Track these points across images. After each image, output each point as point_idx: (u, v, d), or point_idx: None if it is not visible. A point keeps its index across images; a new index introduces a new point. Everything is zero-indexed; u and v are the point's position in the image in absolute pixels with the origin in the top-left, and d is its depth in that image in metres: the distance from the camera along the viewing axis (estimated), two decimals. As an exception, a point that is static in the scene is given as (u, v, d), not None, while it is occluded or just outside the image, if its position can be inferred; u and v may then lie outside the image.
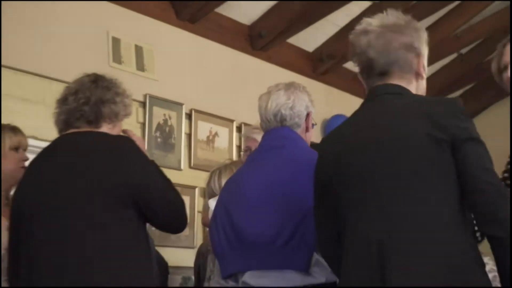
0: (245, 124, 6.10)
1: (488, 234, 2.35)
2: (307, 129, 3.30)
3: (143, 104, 5.21)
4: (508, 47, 3.04)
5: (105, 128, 2.99)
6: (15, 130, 3.64)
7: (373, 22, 2.54)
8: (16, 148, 3.52)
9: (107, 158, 2.83)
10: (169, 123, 5.43)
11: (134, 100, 5.08)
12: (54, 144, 2.97)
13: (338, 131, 2.63)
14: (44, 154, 2.98)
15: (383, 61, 2.48)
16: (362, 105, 2.56)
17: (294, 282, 2.92)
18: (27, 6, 4.78)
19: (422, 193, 2.40)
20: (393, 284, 2.32)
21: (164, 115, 5.41)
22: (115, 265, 2.77)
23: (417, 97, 2.55)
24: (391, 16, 2.57)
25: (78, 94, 2.95)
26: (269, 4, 6.30)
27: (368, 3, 6.65)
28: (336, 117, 6.75)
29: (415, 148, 2.42)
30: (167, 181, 3.03)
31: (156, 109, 5.36)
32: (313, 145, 2.65)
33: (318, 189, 2.58)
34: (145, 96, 5.16)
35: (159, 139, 5.39)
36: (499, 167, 3.02)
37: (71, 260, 2.73)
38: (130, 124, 4.74)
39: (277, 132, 2.97)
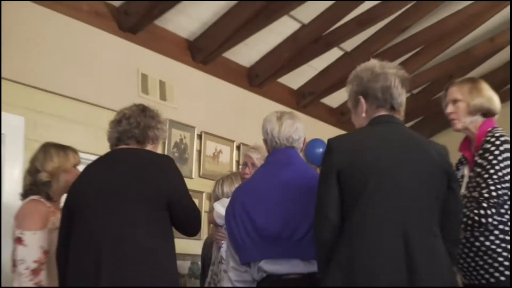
0: (243, 144, 6.19)
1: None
2: (301, 150, 3.26)
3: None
4: (449, 89, 3.13)
5: (149, 147, 3.15)
6: (75, 151, 3.62)
7: (392, 67, 2.61)
8: (75, 165, 3.48)
9: (154, 170, 2.96)
10: (184, 142, 5.47)
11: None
12: (110, 155, 3.11)
13: (353, 137, 2.60)
14: (100, 162, 3.10)
15: (400, 100, 2.55)
16: (373, 126, 2.53)
17: (301, 269, 2.82)
18: (77, 45, 4.73)
19: (433, 206, 2.40)
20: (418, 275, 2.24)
21: (180, 135, 5.45)
22: (157, 249, 2.84)
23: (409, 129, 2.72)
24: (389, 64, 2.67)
25: (130, 119, 3.07)
26: (264, 52, 6.26)
27: (341, 53, 6.35)
28: (314, 140, 6.70)
29: (436, 169, 2.44)
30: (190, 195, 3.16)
31: (174, 131, 5.38)
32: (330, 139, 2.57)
33: (330, 174, 2.39)
34: (166, 120, 5.08)
35: (176, 154, 5.39)
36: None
37: (127, 245, 2.78)
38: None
39: (286, 152, 2.93)
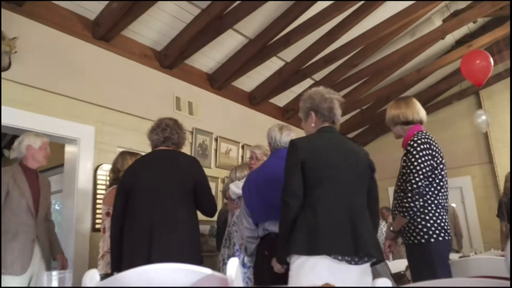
0: (246, 145, 6.14)
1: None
2: None
3: (192, 133, 5.26)
4: (388, 108, 3.05)
5: (180, 149, 3.19)
6: (131, 153, 3.74)
7: (335, 94, 2.67)
8: None
9: (186, 166, 3.02)
10: (205, 143, 5.49)
11: (188, 131, 5.21)
12: (157, 152, 3.09)
13: (309, 139, 2.50)
14: (150, 156, 3.11)
15: (338, 117, 2.60)
16: (321, 133, 2.53)
17: None
18: (131, 77, 4.78)
19: (364, 191, 2.45)
20: (359, 235, 2.29)
21: (203, 139, 5.48)
22: (191, 226, 2.90)
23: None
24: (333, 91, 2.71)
25: (172, 130, 3.09)
26: (260, 81, 6.29)
27: (312, 81, 6.47)
28: None
29: (365, 165, 2.49)
30: (210, 190, 3.14)
31: (198, 136, 5.42)
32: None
33: (296, 163, 2.38)
34: (193, 128, 5.26)
35: (199, 151, 5.41)
36: (394, 171, 3.05)
37: (170, 222, 2.81)
38: (186, 145, 4.79)
39: (284, 150, 2.70)
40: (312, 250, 2.20)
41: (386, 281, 1.07)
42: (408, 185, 2.70)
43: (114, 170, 3.68)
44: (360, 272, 2.27)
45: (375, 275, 2.51)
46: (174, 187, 2.91)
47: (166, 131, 3.07)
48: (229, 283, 1.13)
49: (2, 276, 3.08)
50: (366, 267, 2.32)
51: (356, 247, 2.23)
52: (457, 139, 7.89)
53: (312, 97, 2.62)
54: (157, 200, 2.87)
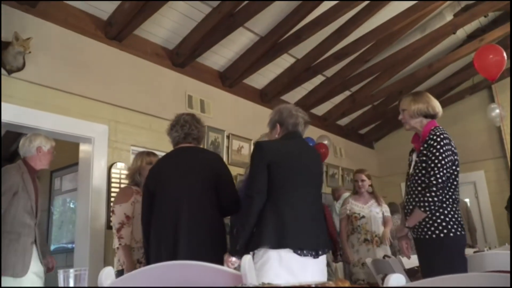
0: None
1: None
2: None
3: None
4: (399, 103, 3.06)
5: (200, 145, 3.19)
6: (149, 153, 3.71)
7: (301, 112, 2.93)
8: (149, 163, 3.49)
9: (208, 161, 3.01)
10: (217, 141, 5.48)
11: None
12: (180, 149, 3.08)
13: (274, 143, 2.77)
14: (171, 156, 3.10)
15: (301, 132, 2.87)
16: (284, 138, 2.80)
17: None
18: (144, 76, 4.78)
19: (320, 190, 2.82)
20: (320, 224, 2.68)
21: (215, 136, 5.48)
22: (214, 223, 2.88)
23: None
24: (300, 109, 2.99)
25: (191, 126, 3.08)
26: (271, 78, 6.30)
27: (323, 78, 6.37)
28: (306, 138, 6.76)
29: (320, 167, 2.92)
30: (234, 185, 3.09)
31: (211, 133, 5.39)
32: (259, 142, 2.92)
33: (263, 163, 2.62)
34: (205, 126, 5.20)
35: (211, 149, 5.33)
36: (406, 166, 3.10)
37: (194, 222, 2.80)
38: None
39: None
40: (280, 244, 2.43)
41: (400, 277, 1.05)
42: (432, 179, 2.66)
43: (128, 169, 3.73)
44: (320, 264, 2.56)
45: (389, 270, 2.55)
46: (197, 184, 2.89)
47: (185, 127, 3.06)
48: (243, 279, 1.13)
49: (3, 278, 3.05)
50: (323, 258, 2.61)
51: (317, 242, 2.54)
52: (470, 134, 7.82)
53: (280, 111, 2.89)
54: (180, 200, 2.86)
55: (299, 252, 2.44)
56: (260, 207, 2.53)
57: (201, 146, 3.23)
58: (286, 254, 2.43)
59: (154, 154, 3.71)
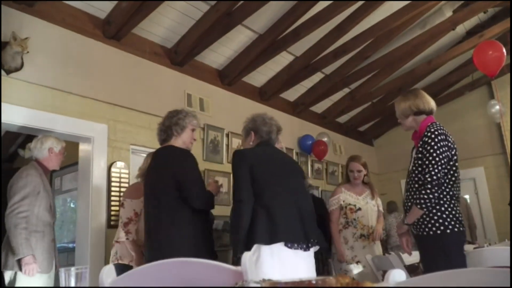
0: None
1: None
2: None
3: (204, 129, 5.25)
4: (396, 102, 3.04)
5: (173, 139, 3.09)
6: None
7: (274, 120, 3.13)
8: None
9: (164, 162, 2.98)
10: (217, 139, 5.48)
11: (199, 127, 5.17)
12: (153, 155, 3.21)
13: (253, 150, 2.94)
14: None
15: (274, 139, 3.07)
16: (259, 145, 3.00)
17: None
18: (143, 75, 4.77)
19: (305, 190, 3.05)
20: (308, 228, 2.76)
21: (214, 134, 5.48)
22: (180, 227, 2.83)
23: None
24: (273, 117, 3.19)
25: (161, 126, 3.14)
26: (270, 76, 6.28)
27: (322, 75, 6.36)
28: (305, 136, 6.78)
29: (299, 171, 3.12)
30: (199, 181, 2.94)
31: (210, 132, 5.41)
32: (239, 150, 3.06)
33: (247, 170, 2.76)
34: (204, 125, 5.25)
35: (211, 147, 5.39)
36: (406, 163, 3.10)
37: (155, 228, 2.84)
38: (198, 140, 4.87)
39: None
40: (272, 239, 2.57)
41: (400, 273, 1.06)
42: (427, 176, 2.65)
43: (139, 169, 3.79)
44: (308, 256, 2.69)
45: (389, 267, 2.56)
46: (156, 189, 2.92)
47: (161, 131, 3.15)
48: (243, 276, 1.14)
49: (39, 274, 3.25)
50: (312, 252, 2.74)
51: (306, 236, 2.67)
52: (469, 130, 7.84)
53: (255, 120, 3.06)
54: (147, 206, 2.96)
55: (289, 245, 2.59)
56: (250, 209, 2.66)
57: (175, 140, 3.10)
58: (278, 248, 2.58)
59: None
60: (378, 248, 4.30)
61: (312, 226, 2.78)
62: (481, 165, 7.89)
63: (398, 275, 1.06)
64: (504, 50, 5.19)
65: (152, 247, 2.84)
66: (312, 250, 2.75)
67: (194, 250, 2.70)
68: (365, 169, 4.43)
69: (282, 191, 2.75)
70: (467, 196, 7.64)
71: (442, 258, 2.62)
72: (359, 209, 4.27)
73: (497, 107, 6.88)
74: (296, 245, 2.61)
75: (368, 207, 4.31)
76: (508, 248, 2.52)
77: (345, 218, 4.28)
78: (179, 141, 3.07)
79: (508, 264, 2.14)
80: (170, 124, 3.08)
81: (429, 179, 2.65)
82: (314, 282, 0.75)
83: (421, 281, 1.07)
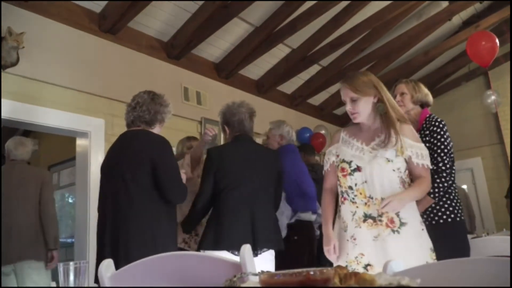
0: (256, 133, 5.86)
1: None
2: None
3: (201, 122, 5.23)
4: (397, 86, 3.05)
5: (157, 127, 2.80)
6: (189, 138, 3.83)
7: (244, 107, 3.12)
8: (189, 148, 3.60)
9: (142, 147, 2.64)
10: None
11: (196, 120, 5.14)
12: (122, 136, 2.81)
13: (223, 148, 3.01)
14: (117, 141, 2.82)
15: (249, 127, 3.05)
16: (234, 141, 3.00)
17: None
18: (139, 69, 4.73)
19: (271, 192, 3.01)
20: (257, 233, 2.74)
21: (211, 128, 5.37)
22: (147, 215, 2.59)
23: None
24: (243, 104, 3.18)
25: (143, 107, 2.76)
26: (267, 69, 6.25)
27: (319, 67, 6.32)
28: (303, 128, 6.76)
29: (271, 168, 3.02)
30: (176, 171, 2.67)
31: (208, 125, 5.29)
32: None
33: (211, 171, 2.84)
34: (201, 118, 5.23)
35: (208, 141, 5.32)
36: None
37: (121, 215, 2.56)
38: (195, 134, 4.91)
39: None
40: (216, 246, 2.62)
41: (398, 262, 1.06)
42: (441, 164, 2.64)
43: None
44: (261, 261, 2.63)
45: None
46: (125, 173, 2.59)
47: (136, 110, 2.76)
48: (242, 268, 1.13)
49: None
50: (265, 256, 2.73)
51: (255, 243, 2.63)
52: (466, 121, 7.84)
53: (223, 113, 3.09)
54: (111, 190, 2.64)
55: (236, 253, 2.56)
56: (203, 213, 2.86)
57: (156, 129, 2.82)
58: (223, 255, 2.42)
59: (195, 138, 3.80)
60: (406, 241, 2.23)
61: (265, 233, 2.74)
62: (478, 155, 7.90)
63: (395, 265, 1.05)
64: (497, 40, 5.19)
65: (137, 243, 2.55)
66: (266, 254, 2.76)
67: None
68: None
69: (239, 196, 2.75)
70: (465, 186, 7.67)
71: (453, 246, 2.61)
72: (357, 168, 2.36)
73: (493, 97, 6.88)
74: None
75: (376, 163, 2.31)
76: (507, 237, 2.54)
77: (340, 187, 2.44)
78: (157, 131, 2.82)
79: (507, 254, 2.15)
80: (160, 111, 2.80)
81: (443, 168, 2.63)
82: (312, 273, 0.75)
83: (423, 270, 1.07)
